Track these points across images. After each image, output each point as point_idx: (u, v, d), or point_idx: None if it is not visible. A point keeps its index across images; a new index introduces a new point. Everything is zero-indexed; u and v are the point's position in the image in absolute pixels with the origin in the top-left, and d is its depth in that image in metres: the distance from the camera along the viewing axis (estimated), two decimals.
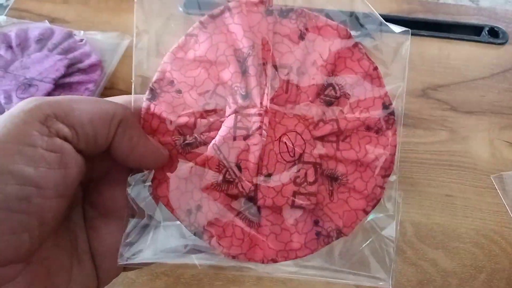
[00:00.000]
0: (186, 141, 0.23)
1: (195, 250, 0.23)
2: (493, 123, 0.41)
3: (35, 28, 0.45)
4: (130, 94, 0.24)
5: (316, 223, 0.24)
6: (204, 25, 0.24)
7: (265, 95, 0.23)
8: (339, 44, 0.24)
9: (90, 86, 0.41)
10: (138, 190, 0.23)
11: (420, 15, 0.50)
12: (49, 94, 0.39)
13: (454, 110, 0.42)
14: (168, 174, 0.23)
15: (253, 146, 0.23)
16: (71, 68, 0.42)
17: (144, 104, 0.24)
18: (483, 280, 0.32)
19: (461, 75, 0.45)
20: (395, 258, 0.24)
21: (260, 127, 0.23)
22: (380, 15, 0.52)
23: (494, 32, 0.49)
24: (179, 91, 0.24)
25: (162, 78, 0.24)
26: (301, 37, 0.24)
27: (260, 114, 0.23)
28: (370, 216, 0.24)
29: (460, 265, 0.33)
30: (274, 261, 0.23)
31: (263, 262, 0.23)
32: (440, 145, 0.39)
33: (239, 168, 0.23)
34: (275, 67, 0.23)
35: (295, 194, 0.23)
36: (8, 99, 0.38)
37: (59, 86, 0.40)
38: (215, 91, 0.24)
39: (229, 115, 0.23)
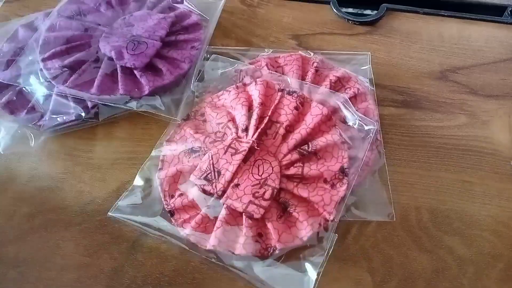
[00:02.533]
0: (193, 148, 0.35)
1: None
2: None
3: None
4: (230, 49, 0.42)
5: (259, 235, 0.31)
6: (237, 87, 0.37)
7: (257, 133, 0.33)
8: (320, 120, 0.34)
9: (196, 44, 0.42)
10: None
11: None
12: (158, 51, 0.40)
13: (473, 93, 0.40)
14: (173, 167, 0.34)
15: (235, 161, 0.32)
16: (175, 27, 0.42)
17: (179, 121, 0.37)
18: (501, 269, 0.31)
19: (481, 57, 0.43)
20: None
21: (244, 150, 0.32)
22: None
23: None
24: (205, 120, 0.37)
25: (198, 110, 0.38)
26: (296, 108, 0.35)
27: (248, 142, 0.33)
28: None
29: (477, 253, 0.32)
30: (215, 247, 0.30)
31: (205, 246, 0.30)
32: (459, 130, 0.38)
33: (219, 173, 0.32)
34: (272, 121, 0.34)
35: (249, 203, 0.30)
36: (119, 55, 0.39)
37: (166, 44, 0.41)
38: (227, 124, 0.35)
39: (229, 138, 0.33)
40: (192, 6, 0.45)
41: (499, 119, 0.38)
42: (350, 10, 0.48)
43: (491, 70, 0.42)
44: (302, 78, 0.39)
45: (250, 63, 0.40)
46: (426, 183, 0.35)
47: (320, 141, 0.33)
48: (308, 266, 0.30)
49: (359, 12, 0.48)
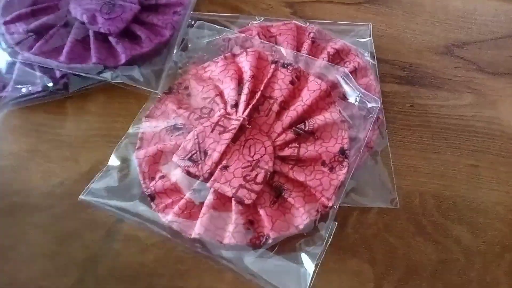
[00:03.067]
0: (176, 125, 0.31)
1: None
2: None
3: None
4: (217, 16, 0.39)
5: (251, 223, 0.28)
6: (226, 58, 0.33)
7: (248, 110, 0.30)
8: (318, 96, 0.31)
9: (179, 9, 0.37)
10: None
11: None
12: (136, 16, 0.36)
13: (480, 70, 0.38)
14: (153, 145, 0.31)
15: (223, 140, 0.29)
16: None
17: (160, 95, 0.33)
18: (511, 260, 0.29)
19: (488, 32, 0.40)
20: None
21: (234, 128, 0.29)
22: None
23: None
24: (189, 94, 0.33)
25: (181, 83, 0.34)
26: (292, 82, 0.31)
27: (238, 120, 0.29)
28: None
29: (485, 243, 0.29)
30: (200, 236, 0.27)
31: (190, 235, 0.27)
32: (465, 109, 0.35)
33: (206, 154, 0.28)
34: (264, 96, 0.31)
35: (240, 187, 0.27)
36: (92, 19, 0.35)
37: (145, 8, 0.37)
38: (214, 99, 0.31)
39: (217, 115, 0.30)
40: None
41: (508, 99, 0.36)
42: None
43: (499, 46, 0.39)
44: (297, 49, 0.35)
45: (240, 32, 0.36)
46: (430, 167, 0.32)
47: (318, 120, 0.30)
48: (304, 257, 0.27)
49: None
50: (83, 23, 0.35)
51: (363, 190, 0.30)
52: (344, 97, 0.32)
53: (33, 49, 0.34)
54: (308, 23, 0.37)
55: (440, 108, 0.35)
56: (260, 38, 0.35)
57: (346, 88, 0.31)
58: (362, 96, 0.31)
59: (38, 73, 0.34)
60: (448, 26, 0.40)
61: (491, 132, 0.34)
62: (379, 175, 0.31)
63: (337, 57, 0.35)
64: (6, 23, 0.35)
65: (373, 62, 0.36)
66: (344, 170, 0.28)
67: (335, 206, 0.28)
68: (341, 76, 0.32)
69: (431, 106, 0.35)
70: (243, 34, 0.35)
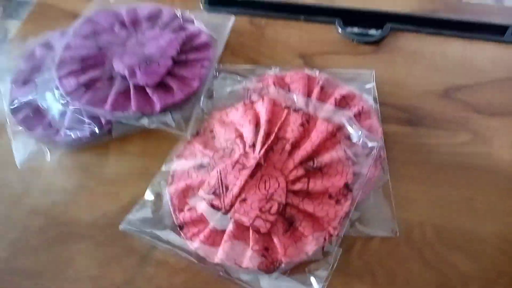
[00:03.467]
0: (202, 164, 0.36)
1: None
2: None
3: (144, 8, 0.48)
4: (238, 67, 0.44)
5: (266, 249, 0.31)
6: (245, 104, 0.38)
7: (263, 149, 0.34)
8: (325, 137, 0.35)
9: (206, 63, 0.43)
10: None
11: (443, 14, 0.49)
12: (169, 70, 0.41)
13: (477, 111, 0.41)
14: (182, 181, 0.35)
15: (242, 176, 0.33)
16: (185, 46, 0.44)
17: (189, 137, 0.39)
18: (504, 285, 0.31)
19: (484, 76, 0.44)
20: None
21: (252, 166, 0.33)
22: (402, 14, 0.52)
23: None
24: (213, 137, 0.38)
25: (207, 126, 0.39)
26: (302, 125, 0.35)
27: (255, 158, 0.34)
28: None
29: (481, 269, 0.32)
30: (222, 261, 0.31)
31: (214, 260, 0.31)
32: (462, 147, 0.39)
33: (227, 188, 0.33)
34: (278, 137, 0.35)
35: (256, 217, 0.31)
36: (132, 73, 0.40)
37: (177, 63, 0.43)
38: (235, 140, 0.36)
39: (237, 154, 0.34)
40: (202, 26, 0.47)
41: (503, 137, 0.39)
42: (355, 30, 0.49)
43: (494, 89, 0.43)
44: (308, 95, 0.40)
45: (257, 81, 0.42)
46: (429, 200, 0.36)
47: (325, 157, 0.34)
48: (313, 280, 0.30)
49: (363, 31, 0.49)
50: (124, 77, 0.41)
51: (366, 220, 0.33)
52: (348, 137, 0.36)
53: (82, 100, 0.39)
54: (317, 72, 0.42)
55: (438, 146, 0.39)
56: (275, 86, 0.40)
57: (350, 129, 0.36)
58: (364, 136, 0.35)
59: (86, 120, 0.39)
60: (446, 71, 0.44)
61: (487, 168, 0.37)
62: (380, 207, 0.34)
63: (343, 102, 0.39)
64: (60, 77, 0.41)
65: (376, 106, 0.40)
66: (348, 202, 0.32)
67: (340, 234, 0.32)
68: (346, 119, 0.36)
69: (430, 144, 0.39)
70: (260, 83, 0.41)
